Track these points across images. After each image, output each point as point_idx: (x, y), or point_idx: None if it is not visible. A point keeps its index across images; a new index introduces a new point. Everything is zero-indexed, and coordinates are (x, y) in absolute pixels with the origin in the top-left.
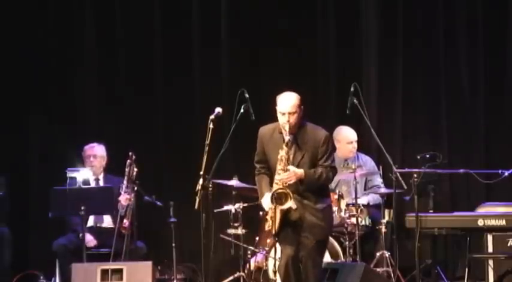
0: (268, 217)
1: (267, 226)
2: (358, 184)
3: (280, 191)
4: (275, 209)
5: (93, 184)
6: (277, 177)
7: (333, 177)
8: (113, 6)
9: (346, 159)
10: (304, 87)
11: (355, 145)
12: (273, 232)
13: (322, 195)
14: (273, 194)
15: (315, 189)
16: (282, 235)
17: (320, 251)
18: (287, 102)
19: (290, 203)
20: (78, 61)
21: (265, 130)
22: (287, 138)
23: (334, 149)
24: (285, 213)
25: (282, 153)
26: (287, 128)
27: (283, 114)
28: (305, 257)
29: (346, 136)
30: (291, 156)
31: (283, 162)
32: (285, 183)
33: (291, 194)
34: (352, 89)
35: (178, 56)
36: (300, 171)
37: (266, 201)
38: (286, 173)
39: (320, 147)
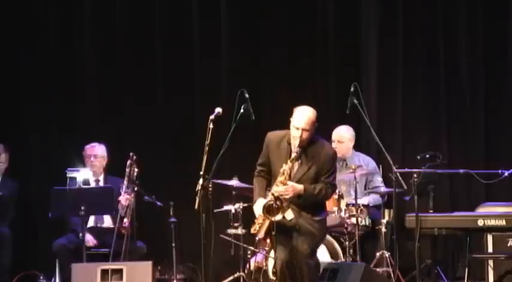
0: (256, 221)
1: (253, 229)
2: (358, 184)
3: (271, 203)
4: (265, 216)
5: (93, 185)
6: (275, 188)
7: (331, 195)
8: (113, 9)
9: (345, 159)
10: (304, 87)
11: (338, 146)
12: (258, 236)
13: (320, 208)
14: (264, 206)
15: (313, 203)
16: (276, 240)
17: (313, 253)
18: (303, 118)
19: (280, 217)
20: (79, 61)
21: (273, 136)
22: (294, 154)
23: None
24: (273, 224)
25: (285, 167)
26: (297, 143)
27: (297, 129)
28: (299, 261)
29: (333, 134)
30: (295, 169)
31: (284, 176)
32: (281, 196)
33: (284, 208)
34: (352, 89)
35: (179, 56)
36: (300, 187)
37: (257, 208)
38: (284, 187)
39: (326, 163)
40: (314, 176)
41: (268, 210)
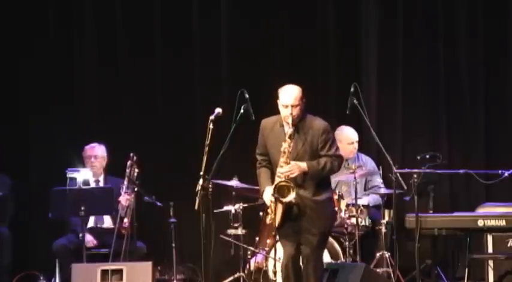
0: (269, 210)
1: (269, 219)
2: (358, 184)
3: (282, 183)
4: (276, 202)
5: (93, 185)
6: (279, 170)
7: (339, 166)
8: (113, 10)
9: (346, 160)
10: (304, 87)
11: (356, 146)
12: (275, 225)
13: (321, 187)
14: (275, 187)
15: (314, 180)
16: (282, 233)
17: (322, 247)
18: (290, 95)
19: (292, 196)
20: (79, 61)
21: (266, 123)
22: (290, 130)
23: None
24: (287, 207)
25: (285, 145)
26: (290, 120)
27: (286, 106)
28: (307, 256)
29: (347, 136)
30: (291, 148)
31: (285, 155)
32: (287, 176)
33: (294, 187)
34: (352, 89)
35: (179, 56)
36: (303, 165)
37: (267, 195)
38: (289, 166)
39: (319, 137)
40: (310, 152)
41: (279, 191)
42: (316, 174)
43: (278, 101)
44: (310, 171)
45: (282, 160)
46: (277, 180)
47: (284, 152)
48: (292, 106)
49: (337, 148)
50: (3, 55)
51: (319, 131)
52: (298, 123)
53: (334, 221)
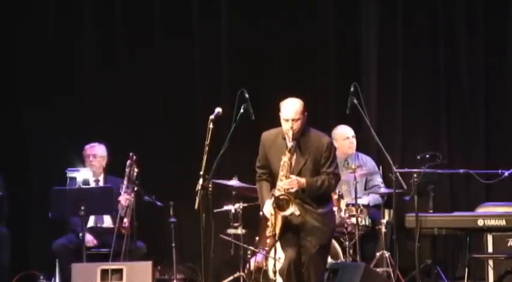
0: (269, 223)
1: (268, 232)
2: (358, 184)
3: (281, 197)
4: (276, 214)
5: (93, 185)
6: (279, 183)
7: (336, 185)
8: (113, 9)
9: (346, 159)
10: (304, 88)
11: (353, 141)
12: (275, 238)
13: (323, 200)
14: (274, 200)
15: (317, 195)
16: (284, 238)
17: (323, 256)
18: (291, 109)
19: (292, 209)
20: (79, 61)
21: (268, 135)
22: (290, 144)
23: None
24: (287, 218)
25: (285, 159)
26: (290, 134)
27: (287, 120)
28: (307, 261)
29: (341, 133)
30: (293, 162)
31: (285, 169)
32: (287, 190)
33: (293, 200)
34: (352, 89)
35: (179, 55)
36: (302, 180)
37: (267, 209)
38: (288, 180)
39: (323, 153)
40: (313, 168)
41: (278, 205)
42: (313, 191)
43: (280, 114)
44: (308, 188)
45: (281, 174)
46: (276, 193)
47: (284, 166)
48: (293, 120)
49: (336, 166)
50: (3, 54)
51: (322, 148)
52: (300, 138)
53: (334, 233)
